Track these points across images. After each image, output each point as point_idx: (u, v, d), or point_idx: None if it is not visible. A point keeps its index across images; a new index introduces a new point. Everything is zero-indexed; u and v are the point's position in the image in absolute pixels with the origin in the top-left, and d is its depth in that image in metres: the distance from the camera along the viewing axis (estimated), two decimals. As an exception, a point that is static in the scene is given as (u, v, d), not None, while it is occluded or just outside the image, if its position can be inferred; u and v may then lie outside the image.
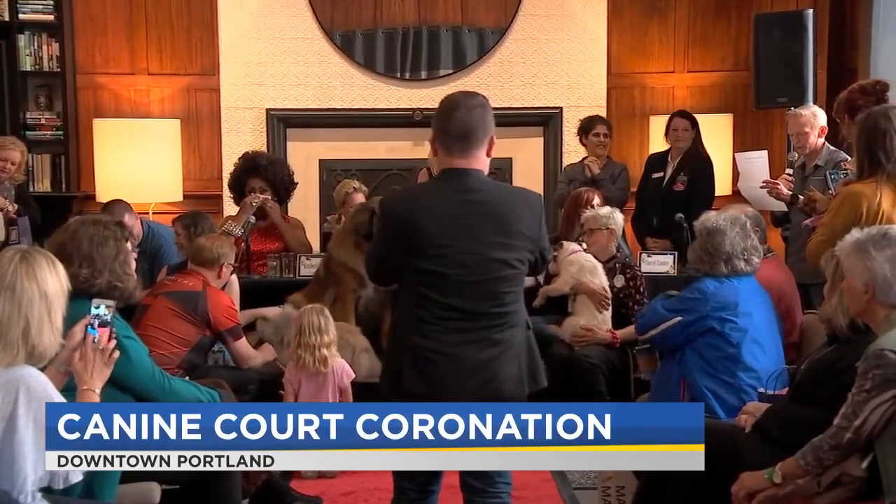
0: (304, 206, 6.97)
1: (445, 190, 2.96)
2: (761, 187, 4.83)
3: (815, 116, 4.96)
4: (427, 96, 7.17)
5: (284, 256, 5.66)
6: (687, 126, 6.24)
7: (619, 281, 5.02)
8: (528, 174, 7.30)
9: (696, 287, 3.91)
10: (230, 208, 6.60)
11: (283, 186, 5.90)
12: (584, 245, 5.12)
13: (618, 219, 5.12)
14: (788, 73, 6.13)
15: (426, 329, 2.91)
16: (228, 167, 6.58)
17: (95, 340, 2.77)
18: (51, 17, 6.96)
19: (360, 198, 5.76)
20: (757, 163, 5.22)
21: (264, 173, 5.81)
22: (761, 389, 3.65)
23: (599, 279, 4.97)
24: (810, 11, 6.21)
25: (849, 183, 3.98)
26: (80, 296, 2.90)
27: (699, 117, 6.41)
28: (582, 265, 4.98)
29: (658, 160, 6.35)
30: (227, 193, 6.57)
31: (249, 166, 5.89)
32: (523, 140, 7.32)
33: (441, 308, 2.91)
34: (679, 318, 3.86)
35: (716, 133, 6.78)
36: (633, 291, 5.01)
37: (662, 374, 4.04)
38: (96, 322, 2.80)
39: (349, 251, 5.17)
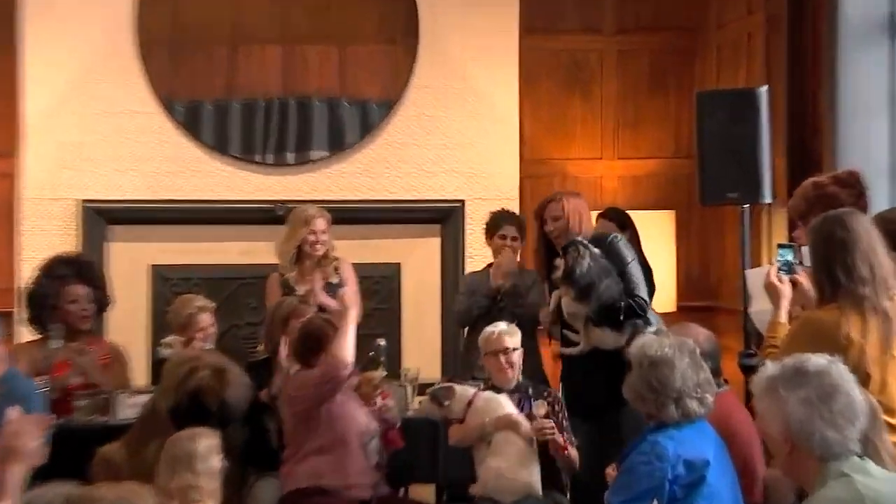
0: (130, 326, 6.18)
1: None
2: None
3: None
4: (294, 186, 6.58)
5: (98, 393, 4.95)
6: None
7: (542, 407, 4.59)
8: (421, 283, 6.77)
9: (649, 452, 3.42)
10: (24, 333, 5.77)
11: (103, 296, 5.26)
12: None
13: (517, 341, 4.67)
14: (739, 163, 5.78)
15: None
16: (27, 276, 5.63)
17: None
18: None
19: (206, 318, 5.27)
20: None
21: (87, 274, 5.17)
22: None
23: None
24: (764, 89, 5.82)
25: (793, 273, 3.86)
26: None
27: (634, 215, 5.98)
28: (488, 406, 4.52)
29: None
30: (19, 311, 5.61)
31: (65, 271, 5.19)
32: (416, 241, 6.82)
33: None
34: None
35: (655, 234, 6.40)
36: (561, 418, 4.64)
37: None
38: None
39: None
